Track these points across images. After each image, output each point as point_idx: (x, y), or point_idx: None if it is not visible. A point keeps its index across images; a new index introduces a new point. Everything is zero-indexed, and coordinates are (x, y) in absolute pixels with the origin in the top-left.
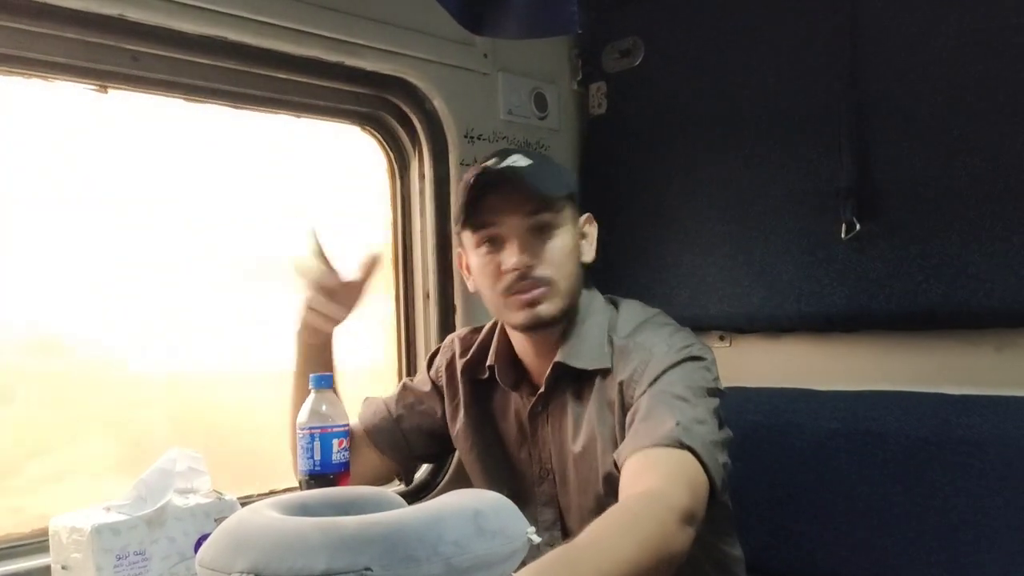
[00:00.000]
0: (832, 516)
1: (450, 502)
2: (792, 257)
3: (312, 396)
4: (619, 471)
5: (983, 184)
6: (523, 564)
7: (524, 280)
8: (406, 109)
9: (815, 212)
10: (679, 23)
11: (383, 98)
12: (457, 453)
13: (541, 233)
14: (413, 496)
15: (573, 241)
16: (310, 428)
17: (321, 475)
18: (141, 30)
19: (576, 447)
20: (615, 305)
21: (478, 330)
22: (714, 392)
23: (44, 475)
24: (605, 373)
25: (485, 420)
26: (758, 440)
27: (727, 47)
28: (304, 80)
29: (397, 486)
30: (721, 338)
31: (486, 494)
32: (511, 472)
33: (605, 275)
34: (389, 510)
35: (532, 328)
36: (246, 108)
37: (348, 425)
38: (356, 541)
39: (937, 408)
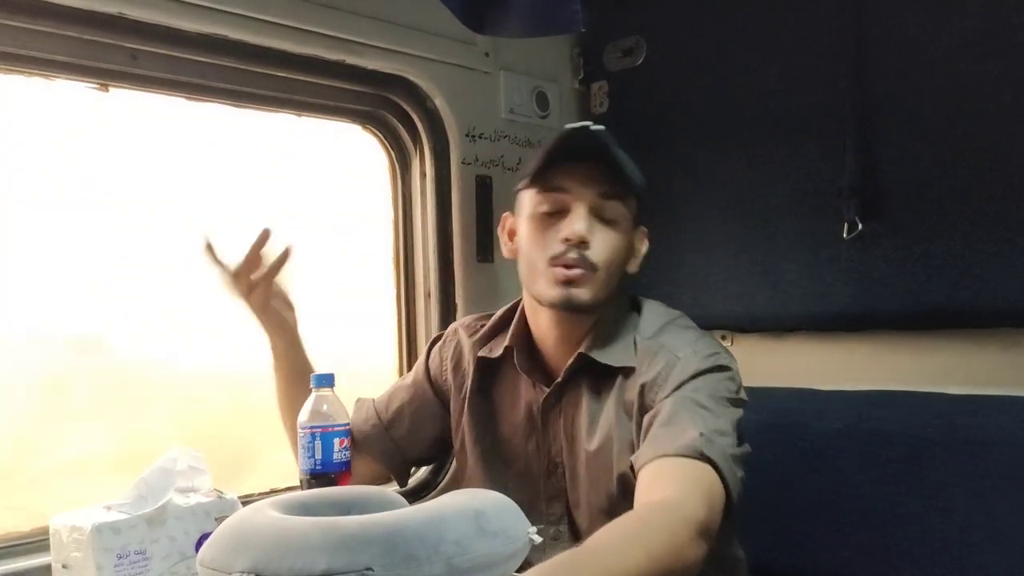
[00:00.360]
0: (836, 517)
1: (451, 502)
2: (795, 257)
3: (313, 395)
4: (635, 475)
5: (987, 183)
6: (527, 562)
7: (573, 255)
8: (407, 108)
9: (818, 211)
10: (681, 22)
11: (384, 97)
12: (456, 450)
13: (603, 219)
14: (414, 496)
15: (627, 242)
16: (311, 427)
17: (322, 474)
18: (141, 28)
19: (591, 445)
20: (637, 304)
21: (485, 316)
22: (737, 403)
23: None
24: (627, 372)
25: (492, 408)
26: (761, 440)
27: (729, 46)
28: (305, 79)
29: (397, 486)
30: (724, 338)
31: (487, 494)
32: (515, 463)
33: None
34: (390, 510)
35: (562, 307)
36: (247, 107)
37: (349, 424)
38: (357, 541)
39: (942, 408)
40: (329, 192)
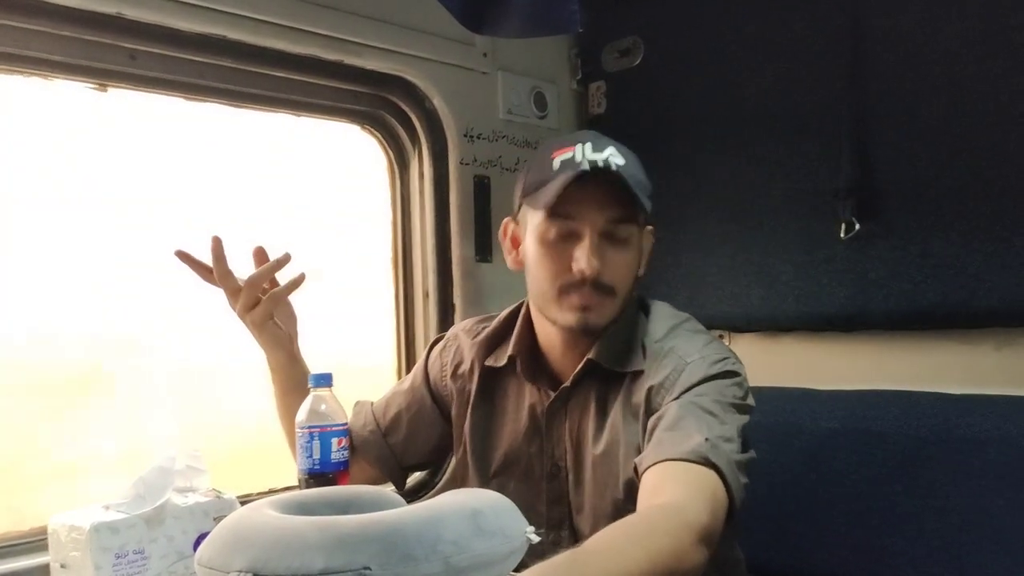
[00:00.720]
0: (831, 516)
1: (449, 501)
2: (791, 257)
3: (311, 395)
4: (638, 478)
5: (982, 184)
6: (524, 564)
7: (587, 285)
8: (406, 108)
9: (814, 212)
10: (679, 23)
11: (383, 97)
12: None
13: (614, 241)
14: (412, 495)
15: (637, 255)
16: (309, 427)
17: (320, 474)
18: (139, 28)
19: (597, 448)
20: (644, 306)
21: (486, 319)
22: (744, 409)
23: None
24: (635, 375)
25: (495, 413)
26: (757, 440)
27: (727, 47)
28: (303, 79)
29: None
30: (720, 337)
31: (485, 493)
32: (517, 466)
33: None
34: (388, 509)
35: (579, 331)
36: (245, 107)
37: (347, 424)
38: (354, 540)
39: (937, 408)
40: (328, 192)
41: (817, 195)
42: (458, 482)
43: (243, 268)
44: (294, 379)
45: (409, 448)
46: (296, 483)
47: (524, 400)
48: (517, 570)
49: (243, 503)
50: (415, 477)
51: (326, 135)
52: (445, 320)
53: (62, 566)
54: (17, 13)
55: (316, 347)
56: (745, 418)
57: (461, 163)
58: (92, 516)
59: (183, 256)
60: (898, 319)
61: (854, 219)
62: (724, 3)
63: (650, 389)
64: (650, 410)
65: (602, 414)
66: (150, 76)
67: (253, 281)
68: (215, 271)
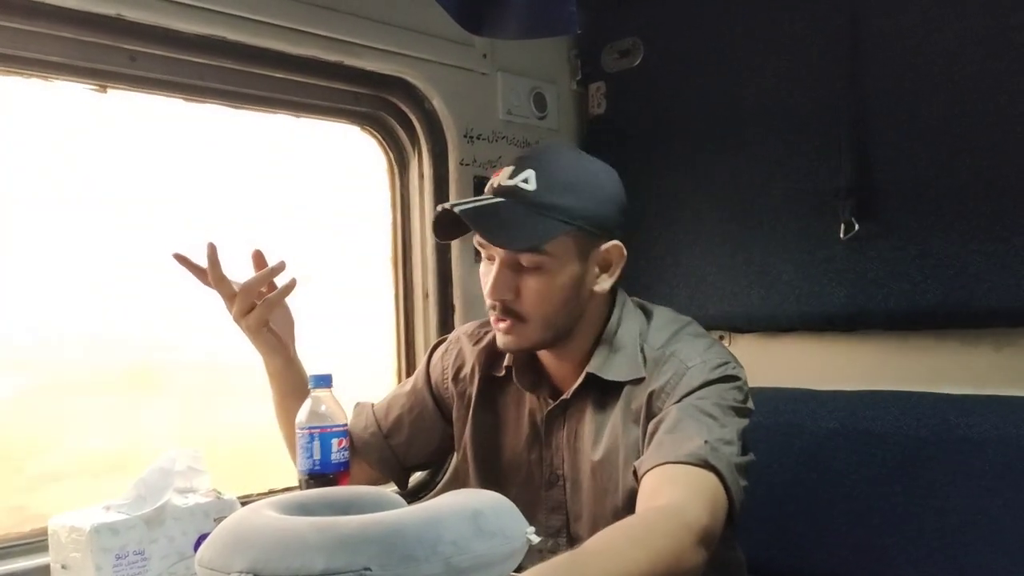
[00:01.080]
0: (831, 516)
1: (449, 502)
2: (791, 257)
3: (311, 396)
4: (638, 480)
5: (982, 184)
6: (522, 567)
7: (498, 311)
8: (405, 109)
9: (814, 212)
10: (678, 23)
11: (382, 98)
12: (457, 458)
13: (522, 269)
14: (412, 496)
15: (568, 278)
16: (309, 428)
17: (320, 475)
18: (139, 30)
19: (596, 454)
20: (645, 311)
21: (488, 323)
22: (743, 412)
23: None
24: (636, 381)
25: (496, 419)
26: (756, 440)
27: (726, 47)
28: (303, 80)
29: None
30: (720, 338)
31: (485, 494)
32: (517, 473)
33: None
34: (388, 510)
35: (508, 352)
36: (245, 108)
37: (347, 425)
38: (355, 541)
39: (936, 408)
40: (327, 193)
41: (817, 195)
42: (459, 482)
43: (242, 270)
44: (290, 383)
45: (411, 450)
46: (296, 484)
47: (524, 408)
48: (517, 571)
49: (243, 504)
50: (416, 477)
51: (326, 136)
52: (445, 320)
53: (63, 567)
54: (17, 14)
55: (315, 348)
56: (745, 421)
57: (461, 164)
58: (92, 517)
59: (181, 259)
60: (898, 319)
61: (854, 219)
62: (724, 3)
63: (651, 394)
64: (651, 414)
65: (601, 420)
66: (150, 77)
67: (247, 288)
68: (210, 276)
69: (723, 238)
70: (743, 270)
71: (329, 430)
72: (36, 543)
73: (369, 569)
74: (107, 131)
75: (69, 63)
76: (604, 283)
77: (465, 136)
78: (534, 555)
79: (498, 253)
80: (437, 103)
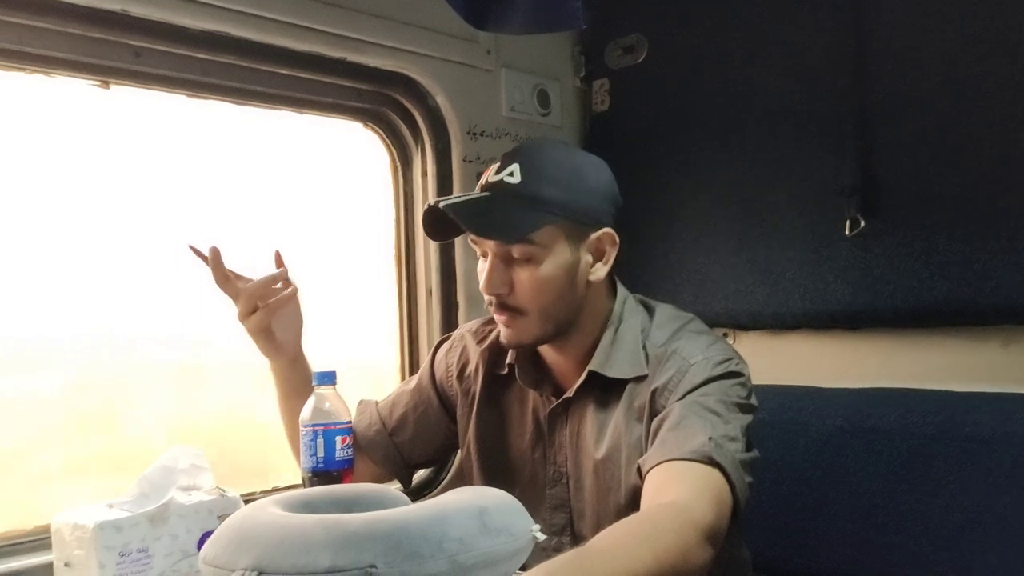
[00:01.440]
0: (837, 514)
1: (455, 499)
2: (796, 254)
3: (315, 394)
4: (642, 478)
5: (988, 181)
6: (527, 565)
7: (495, 306)
8: (409, 105)
9: (819, 209)
10: (682, 20)
11: (386, 94)
12: (462, 456)
13: (513, 261)
14: (417, 493)
15: (560, 267)
16: (313, 425)
17: (324, 472)
18: (143, 26)
19: (598, 452)
20: (648, 308)
21: (492, 320)
22: (747, 409)
23: None
24: (638, 378)
25: (500, 417)
26: (762, 438)
27: (731, 44)
28: (306, 76)
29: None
30: (725, 335)
31: (491, 491)
32: (521, 472)
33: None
34: (393, 507)
35: (510, 348)
36: (249, 104)
37: (351, 422)
38: (360, 538)
39: (942, 405)
40: (331, 189)
41: (822, 192)
42: (463, 480)
43: (247, 264)
44: (293, 384)
45: (416, 447)
46: (300, 482)
47: (528, 406)
48: (522, 569)
49: (247, 501)
50: (419, 475)
51: (329, 132)
52: (448, 317)
53: (66, 564)
54: (20, 10)
55: (319, 345)
56: (749, 418)
57: (464, 160)
58: (96, 514)
59: (194, 251)
60: (904, 316)
61: (859, 216)
62: (728, 1)
63: (654, 391)
64: (654, 412)
65: (603, 418)
66: (154, 73)
67: (249, 292)
68: (214, 278)
69: (727, 235)
70: (748, 267)
71: (333, 427)
72: (39, 540)
73: (375, 566)
74: (110, 128)
75: (72, 59)
76: (599, 272)
77: (468, 133)
78: (538, 553)
79: (490, 248)
80: (440, 100)
